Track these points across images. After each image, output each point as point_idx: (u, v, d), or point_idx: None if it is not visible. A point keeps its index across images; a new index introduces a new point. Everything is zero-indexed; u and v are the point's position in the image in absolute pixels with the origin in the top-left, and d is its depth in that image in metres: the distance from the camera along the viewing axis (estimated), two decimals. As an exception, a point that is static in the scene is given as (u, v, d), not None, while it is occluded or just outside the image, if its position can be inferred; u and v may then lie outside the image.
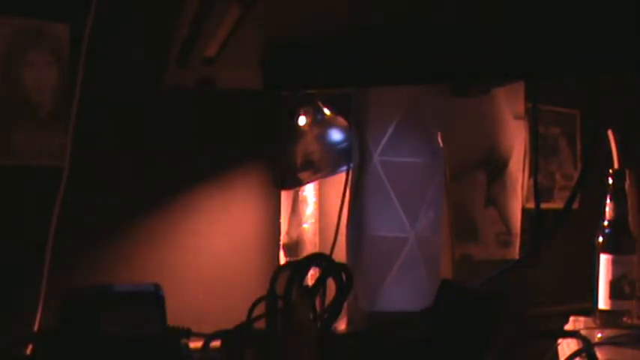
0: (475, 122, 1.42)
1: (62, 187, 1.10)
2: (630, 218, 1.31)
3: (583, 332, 1.11)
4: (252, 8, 0.73)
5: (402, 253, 1.13)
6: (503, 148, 1.47)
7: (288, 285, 0.99)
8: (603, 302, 1.27)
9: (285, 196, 1.31)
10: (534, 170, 1.19)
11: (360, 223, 1.15)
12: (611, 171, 1.30)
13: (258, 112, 1.29)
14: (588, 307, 1.29)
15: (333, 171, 1.23)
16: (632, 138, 1.45)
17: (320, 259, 1.06)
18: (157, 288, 0.91)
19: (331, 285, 1.03)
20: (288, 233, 1.31)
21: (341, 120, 1.24)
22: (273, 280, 1.01)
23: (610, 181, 1.30)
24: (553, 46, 0.84)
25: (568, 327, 1.27)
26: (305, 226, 1.29)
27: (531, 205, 1.50)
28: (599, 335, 1.19)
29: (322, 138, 1.23)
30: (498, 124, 1.45)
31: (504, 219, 1.48)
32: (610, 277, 1.26)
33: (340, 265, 1.03)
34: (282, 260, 1.30)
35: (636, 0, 0.74)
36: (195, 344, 0.98)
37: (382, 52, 0.92)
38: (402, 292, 1.13)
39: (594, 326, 1.26)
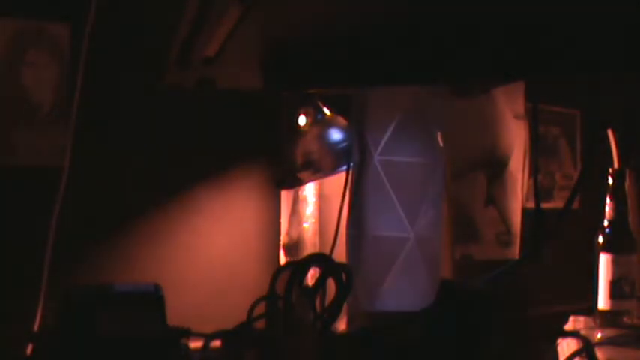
0: (475, 122, 1.42)
1: (62, 187, 1.10)
2: (630, 218, 1.31)
3: (583, 332, 1.11)
4: (252, 8, 0.73)
5: (402, 253, 1.13)
6: (503, 148, 1.47)
7: (288, 285, 0.99)
8: (603, 302, 1.27)
9: (285, 196, 1.31)
10: (534, 170, 1.19)
11: (360, 223, 1.15)
12: (611, 171, 1.30)
13: (258, 112, 1.29)
14: (588, 307, 1.29)
15: (333, 171, 1.23)
16: (632, 138, 1.44)
17: (320, 259, 1.06)
18: (157, 288, 0.91)
19: (331, 285, 1.03)
20: (288, 233, 1.31)
21: (341, 120, 1.24)
22: (273, 280, 1.02)
23: (610, 181, 1.30)
24: (553, 46, 0.84)
25: (568, 327, 1.27)
26: (305, 226, 1.29)
27: (531, 205, 1.50)
28: (599, 335, 1.19)
29: (322, 138, 1.23)
30: (498, 124, 1.45)
31: (504, 219, 1.47)
32: (610, 277, 1.26)
33: (340, 265, 1.03)
34: (282, 260, 1.30)
35: (636, 0, 0.74)
36: (195, 344, 0.98)
37: (382, 52, 0.92)
38: (402, 292, 1.13)
39: (594, 326, 1.26)
